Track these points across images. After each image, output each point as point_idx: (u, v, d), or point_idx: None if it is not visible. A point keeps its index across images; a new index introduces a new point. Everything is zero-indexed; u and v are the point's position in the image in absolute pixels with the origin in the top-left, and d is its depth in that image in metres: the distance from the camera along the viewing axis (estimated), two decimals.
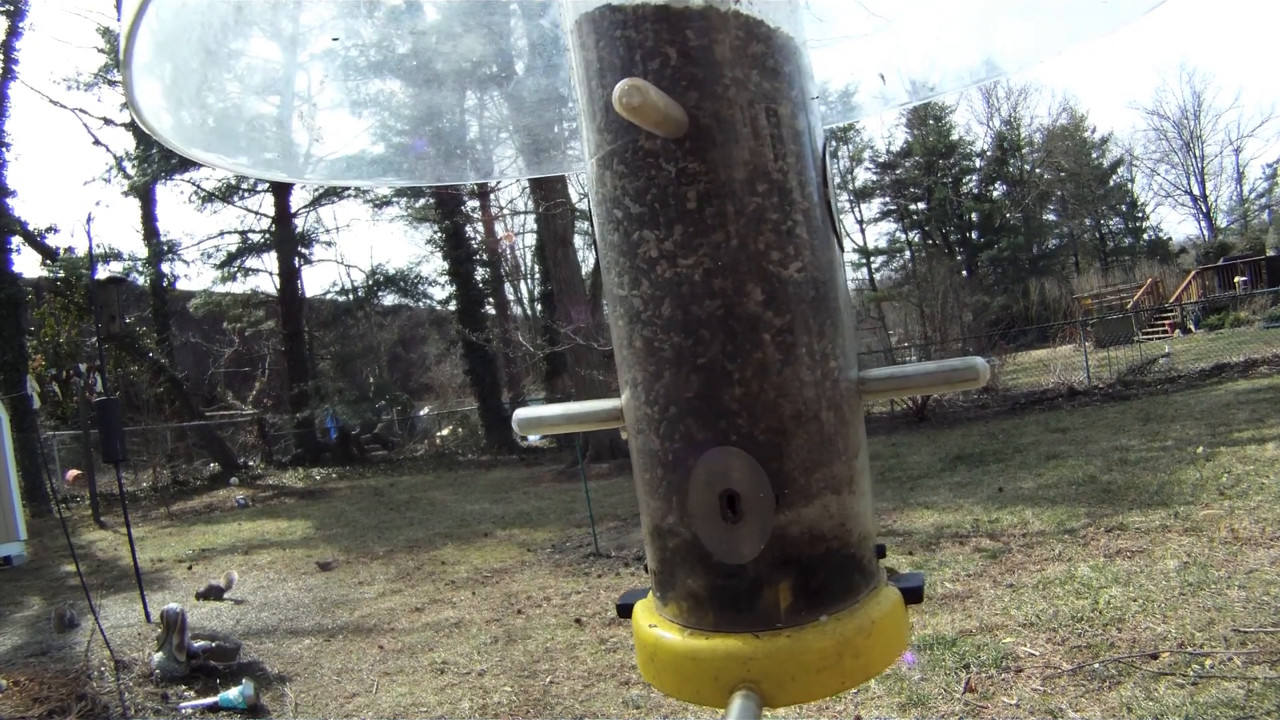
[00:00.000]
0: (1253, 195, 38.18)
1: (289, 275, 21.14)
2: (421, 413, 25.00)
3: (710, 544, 0.61)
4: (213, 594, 6.54)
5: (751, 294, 0.60)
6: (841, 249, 0.67)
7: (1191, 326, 21.73)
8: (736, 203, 0.60)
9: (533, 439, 20.20)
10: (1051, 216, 39.42)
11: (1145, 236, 39.14)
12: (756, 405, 0.60)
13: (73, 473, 15.93)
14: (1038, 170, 38.55)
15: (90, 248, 14.65)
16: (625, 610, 0.71)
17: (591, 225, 0.69)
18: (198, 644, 4.67)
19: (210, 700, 4.14)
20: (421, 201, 22.11)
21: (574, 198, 16.22)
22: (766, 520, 0.59)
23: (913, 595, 0.65)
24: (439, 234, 21.14)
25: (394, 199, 22.37)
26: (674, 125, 0.59)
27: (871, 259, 39.50)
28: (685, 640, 0.62)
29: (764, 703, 0.58)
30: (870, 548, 0.65)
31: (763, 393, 0.60)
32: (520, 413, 0.77)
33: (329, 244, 37.54)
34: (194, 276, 34.43)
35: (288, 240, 20.99)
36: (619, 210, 0.63)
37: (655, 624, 0.65)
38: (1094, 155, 39.34)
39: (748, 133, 0.61)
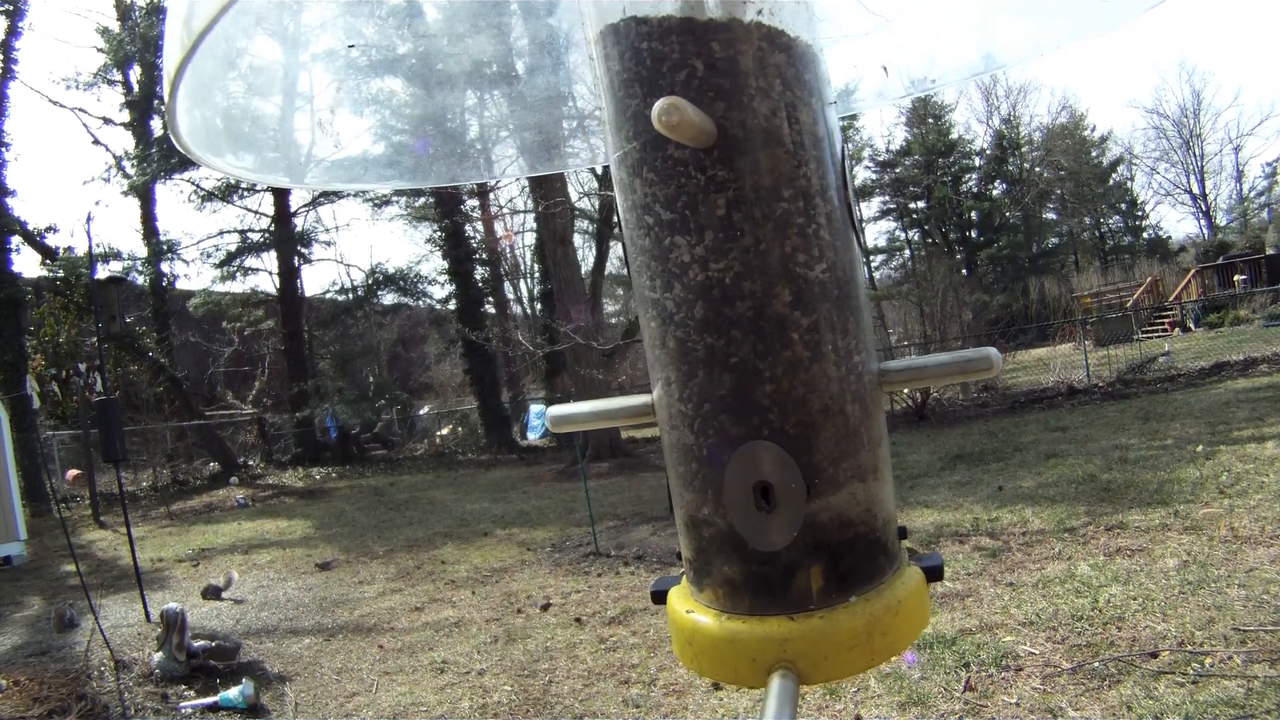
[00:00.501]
0: (1252, 194, 38.19)
1: (289, 274, 21.12)
2: (421, 412, 24.99)
3: (745, 533, 0.63)
4: (211, 594, 6.54)
5: (780, 295, 0.63)
6: (861, 247, 0.70)
7: (1191, 325, 21.73)
8: (764, 208, 0.62)
9: (532, 438, 20.22)
10: (1051, 215, 39.39)
11: (1145, 235, 39.12)
12: (787, 401, 0.62)
13: (73, 473, 15.93)
14: (1037, 169, 38.52)
15: (90, 247, 14.62)
16: (659, 597, 0.73)
17: (620, 229, 0.71)
18: (198, 644, 4.67)
19: (210, 700, 4.14)
20: (421, 201, 22.10)
21: (573, 197, 16.25)
22: (798, 509, 0.62)
23: (934, 574, 0.68)
24: (438, 233, 21.11)
25: (393, 198, 22.35)
26: (706, 137, 0.61)
27: (871, 258, 39.46)
28: (723, 624, 0.65)
29: (800, 681, 0.60)
30: (893, 531, 0.68)
31: (793, 389, 0.62)
32: (553, 410, 0.79)
33: (328, 243, 37.41)
34: (194, 276, 34.29)
35: (287, 239, 20.96)
36: (650, 216, 0.65)
37: (692, 609, 0.67)
38: (1093, 154, 39.31)
39: (773, 141, 0.63)
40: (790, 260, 0.63)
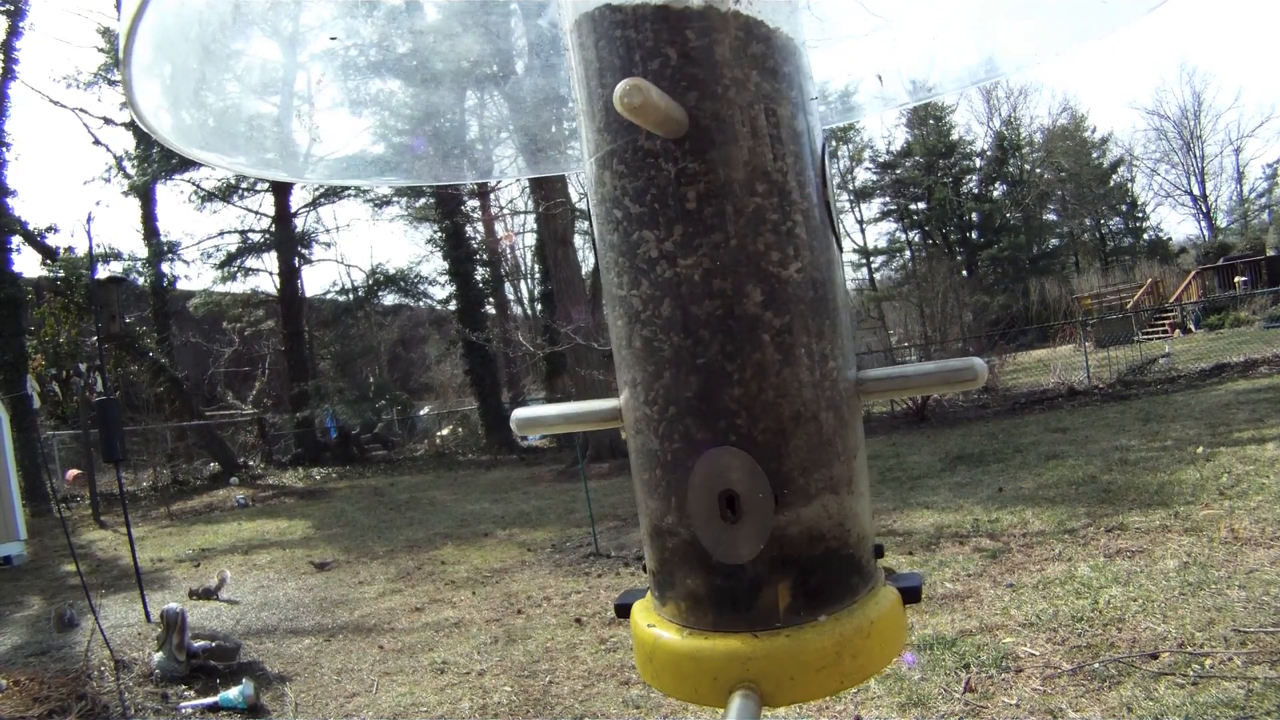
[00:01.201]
0: (1253, 195, 38.23)
1: (289, 275, 21.15)
2: (421, 413, 25.00)
3: (709, 544, 0.61)
4: (203, 595, 6.51)
5: (751, 294, 0.60)
6: (840, 249, 0.67)
7: (1191, 326, 21.73)
8: (736, 203, 0.60)
9: (532, 439, 20.19)
10: (1052, 216, 39.41)
11: (1145, 236, 39.14)
12: (756, 405, 0.60)
13: (73, 473, 15.93)
14: (1038, 170, 38.54)
15: (90, 248, 14.65)
16: (623, 610, 0.70)
17: (591, 225, 0.70)
18: (198, 644, 4.67)
19: (210, 700, 4.14)
20: (421, 201, 22.14)
21: (574, 197, 16.24)
22: (766, 520, 0.59)
23: (911, 595, 0.65)
24: (439, 234, 21.14)
25: (394, 198, 22.40)
26: (674, 125, 0.59)
27: (871, 259, 39.51)
28: (684, 640, 0.62)
29: (763, 702, 0.58)
30: (868, 548, 0.65)
31: (762, 393, 0.60)
32: (519, 413, 0.76)
33: (329, 244, 37.66)
34: (194, 276, 34.46)
35: (287, 240, 20.99)
36: (619, 210, 0.63)
37: (654, 624, 0.65)
38: (1094, 155, 39.32)
39: (747, 133, 0.61)
40: (763, 258, 0.60)
